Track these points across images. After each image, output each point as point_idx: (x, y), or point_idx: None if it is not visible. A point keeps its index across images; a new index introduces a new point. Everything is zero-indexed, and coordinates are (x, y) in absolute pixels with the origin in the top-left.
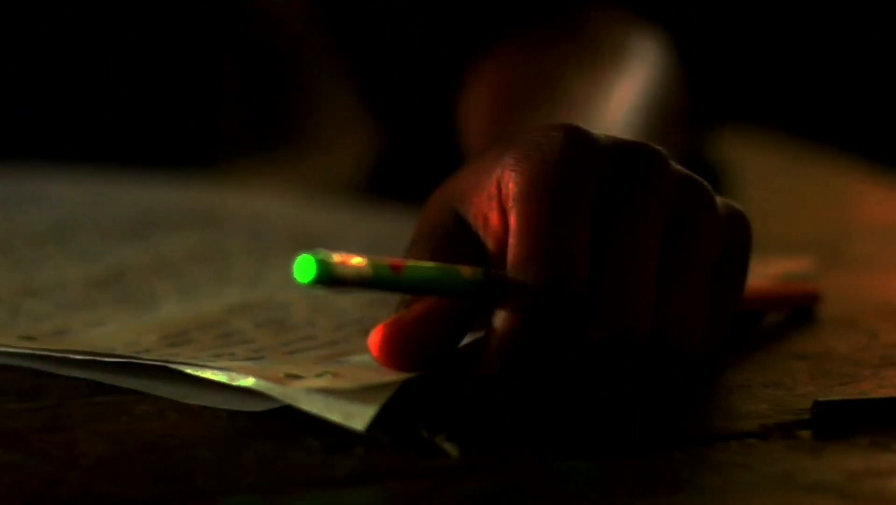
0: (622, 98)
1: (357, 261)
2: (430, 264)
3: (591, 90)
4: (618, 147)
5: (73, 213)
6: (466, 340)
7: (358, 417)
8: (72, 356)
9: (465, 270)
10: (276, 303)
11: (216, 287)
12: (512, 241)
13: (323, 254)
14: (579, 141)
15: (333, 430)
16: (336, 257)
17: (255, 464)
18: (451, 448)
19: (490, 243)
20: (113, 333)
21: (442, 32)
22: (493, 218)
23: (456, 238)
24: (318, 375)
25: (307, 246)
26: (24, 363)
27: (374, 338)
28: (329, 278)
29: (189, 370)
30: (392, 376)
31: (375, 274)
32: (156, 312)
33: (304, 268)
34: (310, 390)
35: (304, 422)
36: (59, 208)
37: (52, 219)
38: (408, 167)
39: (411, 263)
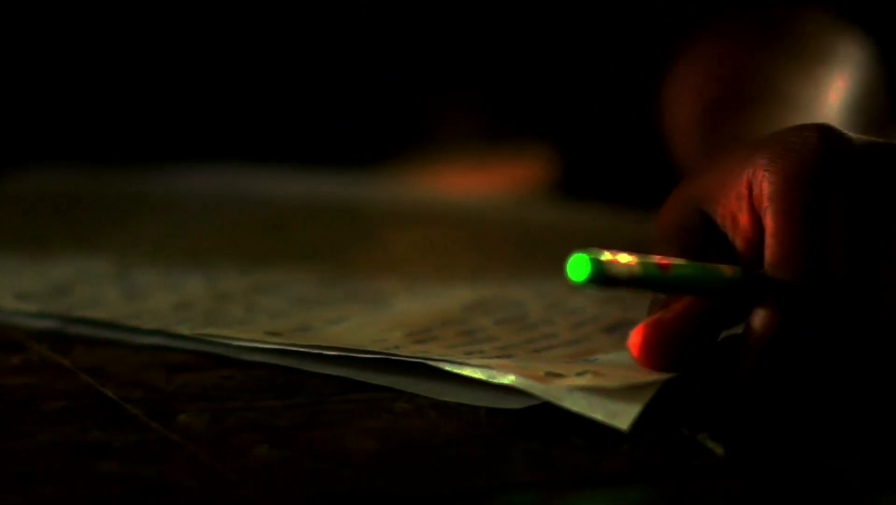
0: (834, 98)
1: (626, 259)
2: (692, 263)
3: (805, 90)
4: (871, 147)
5: (286, 211)
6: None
7: (622, 416)
8: (327, 352)
9: (726, 269)
10: (510, 300)
11: (444, 283)
12: (770, 240)
13: (596, 253)
14: (834, 141)
15: (595, 428)
16: (607, 256)
17: (525, 461)
18: (715, 446)
19: (739, 243)
20: (356, 329)
21: (636, 30)
22: (743, 218)
23: (703, 238)
24: (579, 374)
25: (527, 244)
26: (273, 360)
27: (635, 339)
28: (602, 277)
29: (448, 367)
30: (654, 376)
31: (644, 273)
32: (391, 309)
33: (577, 266)
34: (572, 389)
35: (564, 420)
36: (272, 206)
37: (266, 216)
38: (600, 168)
39: (676, 262)
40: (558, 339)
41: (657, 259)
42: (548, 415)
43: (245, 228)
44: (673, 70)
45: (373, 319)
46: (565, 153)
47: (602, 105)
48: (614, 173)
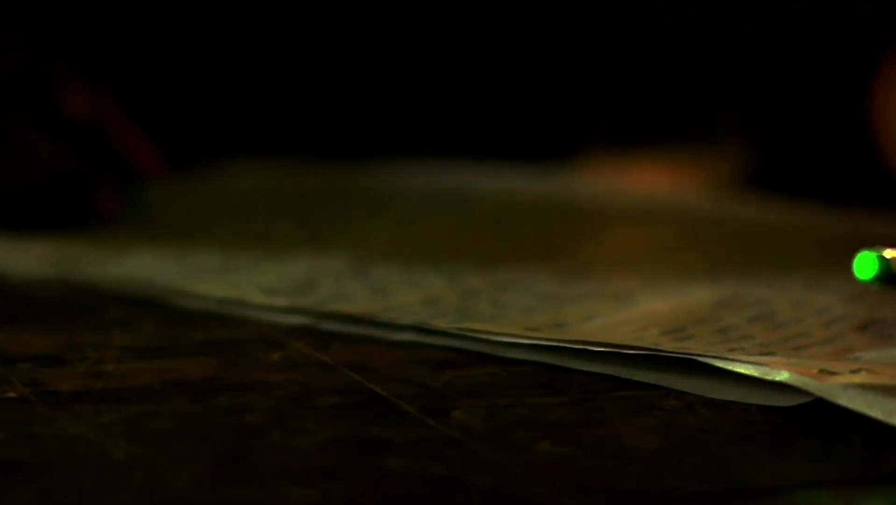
0: None
1: None
2: None
3: None
4: None
5: (507, 207)
6: None
7: None
8: (595, 349)
9: None
10: (754, 299)
11: (681, 281)
12: None
13: (883, 251)
14: None
15: (871, 425)
16: (891, 253)
17: (807, 459)
18: None
19: None
20: (610, 326)
21: (843, 24)
22: None
23: None
24: (853, 371)
25: (749, 241)
26: (534, 356)
27: None
28: (890, 274)
29: (719, 364)
30: None
31: None
32: (639, 307)
33: (865, 265)
34: (847, 386)
35: (837, 417)
36: (493, 202)
37: (488, 212)
38: (799, 162)
39: None
40: (813, 337)
41: None
42: (819, 412)
43: (470, 224)
44: (887, 66)
45: (625, 317)
46: (763, 147)
47: (807, 99)
48: (815, 168)
